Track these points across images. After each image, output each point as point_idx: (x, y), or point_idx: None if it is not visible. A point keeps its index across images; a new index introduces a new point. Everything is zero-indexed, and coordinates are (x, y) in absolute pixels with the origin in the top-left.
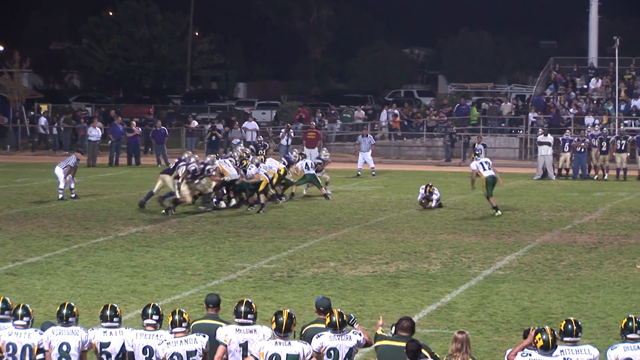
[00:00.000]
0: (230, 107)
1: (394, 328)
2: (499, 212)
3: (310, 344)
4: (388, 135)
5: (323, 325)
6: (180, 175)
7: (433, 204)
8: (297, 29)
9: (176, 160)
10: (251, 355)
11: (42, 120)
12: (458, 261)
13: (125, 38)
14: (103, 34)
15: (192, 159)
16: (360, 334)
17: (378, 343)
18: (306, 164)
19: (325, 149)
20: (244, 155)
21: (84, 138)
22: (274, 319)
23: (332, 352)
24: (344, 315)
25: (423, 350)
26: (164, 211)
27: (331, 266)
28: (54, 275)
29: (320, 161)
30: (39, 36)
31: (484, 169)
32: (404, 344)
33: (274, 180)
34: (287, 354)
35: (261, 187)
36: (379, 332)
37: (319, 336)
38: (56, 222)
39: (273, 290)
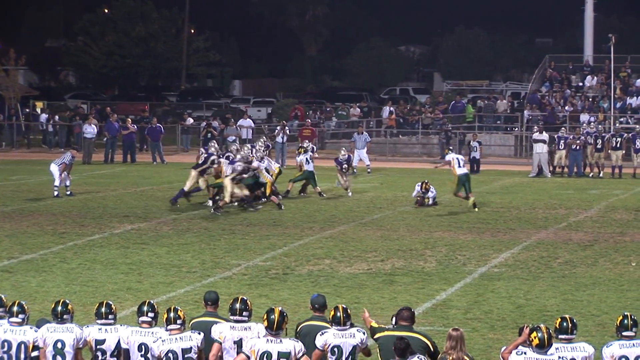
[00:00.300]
0: (225, 105)
1: (394, 319)
2: (473, 198)
3: (303, 341)
4: (383, 133)
5: (318, 323)
6: (228, 173)
7: (430, 201)
8: (293, 27)
9: (204, 155)
10: (243, 353)
11: (43, 117)
12: (453, 259)
13: (120, 35)
14: (98, 32)
15: (239, 156)
16: (364, 333)
17: (379, 335)
18: (306, 159)
19: (344, 148)
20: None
21: (79, 135)
22: (265, 316)
23: (335, 349)
24: (348, 311)
25: (426, 341)
26: (213, 210)
27: (326, 264)
28: (49, 272)
29: (344, 163)
30: (35, 33)
31: (459, 166)
32: (406, 334)
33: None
34: (278, 352)
35: (268, 191)
36: (374, 324)
37: (322, 333)
38: (51, 220)
39: (268, 288)
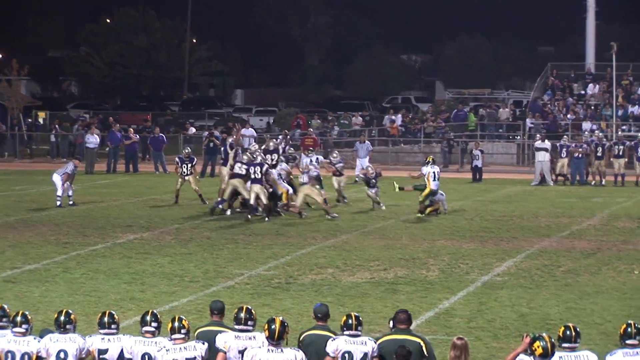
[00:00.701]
0: (227, 114)
1: (391, 322)
2: (422, 216)
3: (305, 351)
4: (385, 142)
5: (321, 332)
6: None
7: (444, 206)
8: (295, 36)
9: (245, 165)
10: None
11: (59, 128)
12: (456, 267)
13: (122, 45)
14: (101, 42)
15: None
16: (375, 342)
17: (379, 340)
18: (311, 160)
19: (370, 166)
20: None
21: (81, 145)
22: (266, 326)
23: (346, 355)
24: (360, 318)
25: (421, 343)
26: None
27: (329, 273)
28: (53, 282)
29: (364, 177)
30: (37, 44)
31: (434, 179)
32: (405, 337)
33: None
34: None
35: (284, 199)
36: None
37: (334, 339)
38: (54, 230)
39: (271, 297)
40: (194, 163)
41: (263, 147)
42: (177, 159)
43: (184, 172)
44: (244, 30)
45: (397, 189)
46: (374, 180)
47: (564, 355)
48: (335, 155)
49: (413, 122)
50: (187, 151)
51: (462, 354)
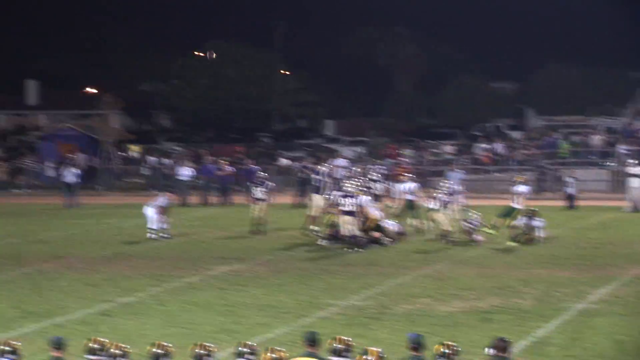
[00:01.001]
0: (318, 145)
1: (490, 350)
2: (515, 245)
3: None
4: (477, 170)
5: None
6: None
7: (540, 233)
8: (384, 65)
9: (342, 198)
10: None
11: (153, 161)
12: (551, 295)
13: (214, 78)
14: (192, 75)
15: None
16: None
17: None
18: (407, 188)
19: (479, 216)
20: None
21: (175, 178)
22: (361, 357)
23: None
24: (455, 347)
25: None
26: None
27: (423, 302)
28: (147, 315)
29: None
30: (128, 77)
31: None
32: None
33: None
34: None
35: (372, 225)
36: None
37: None
38: (148, 263)
39: (364, 328)
40: (267, 187)
41: (361, 168)
42: (249, 184)
43: (256, 196)
44: (334, 60)
45: (495, 233)
46: (477, 225)
47: None
48: (445, 185)
49: (506, 150)
50: (261, 175)
51: None
